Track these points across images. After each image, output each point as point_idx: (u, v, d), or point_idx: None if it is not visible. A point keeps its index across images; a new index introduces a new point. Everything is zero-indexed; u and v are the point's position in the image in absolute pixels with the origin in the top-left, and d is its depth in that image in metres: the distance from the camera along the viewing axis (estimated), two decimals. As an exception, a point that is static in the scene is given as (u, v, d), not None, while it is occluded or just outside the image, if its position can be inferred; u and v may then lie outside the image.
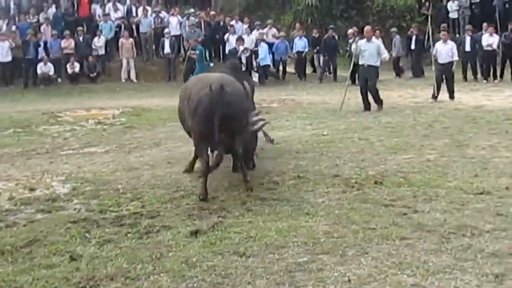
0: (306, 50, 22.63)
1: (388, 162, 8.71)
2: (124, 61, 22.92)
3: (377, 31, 20.66)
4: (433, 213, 6.22)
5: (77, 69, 22.60)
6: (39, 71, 22.30)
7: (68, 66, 22.61)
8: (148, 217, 6.50)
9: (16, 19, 24.23)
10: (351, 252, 5.22)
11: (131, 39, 23.00)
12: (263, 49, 21.75)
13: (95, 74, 22.75)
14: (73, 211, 6.95)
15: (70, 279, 4.85)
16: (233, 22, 23.91)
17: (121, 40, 22.91)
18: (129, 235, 5.94)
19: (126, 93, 21.24)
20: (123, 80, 22.97)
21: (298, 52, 22.72)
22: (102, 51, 23.28)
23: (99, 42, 23.24)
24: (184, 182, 7.94)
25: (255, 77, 21.28)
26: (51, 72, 22.42)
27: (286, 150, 9.86)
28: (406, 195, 6.95)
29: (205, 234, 5.82)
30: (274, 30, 23.51)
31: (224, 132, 6.98)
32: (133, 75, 23.10)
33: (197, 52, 19.26)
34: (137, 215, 6.61)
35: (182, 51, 22.46)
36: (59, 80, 22.72)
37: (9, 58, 22.17)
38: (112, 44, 23.60)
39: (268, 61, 22.03)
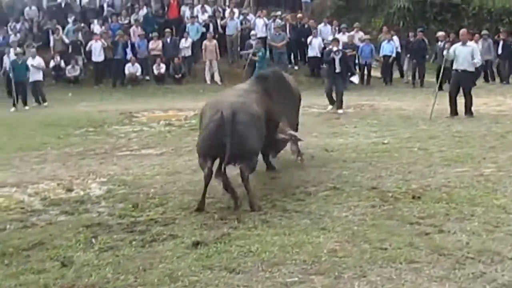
0: (394, 54, 21.81)
1: (437, 175, 8.14)
2: (207, 63, 23.00)
3: (476, 35, 19.87)
4: (458, 234, 5.69)
5: (163, 70, 22.93)
6: (127, 72, 22.79)
7: (154, 67, 22.98)
8: (161, 225, 6.34)
9: (109, 20, 24.80)
10: (348, 275, 4.82)
11: (214, 41, 23.07)
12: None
13: (180, 75, 22.96)
14: (94, 215, 6.90)
15: (50, 286, 4.71)
16: (320, 26, 23.43)
17: (204, 42, 22.98)
18: (133, 242, 5.79)
19: (209, 95, 21.09)
20: (207, 81, 23.05)
21: (385, 56, 21.99)
22: (188, 53, 23.36)
23: (185, 44, 23.41)
24: (218, 190, 7.70)
25: (355, 79, 20.77)
26: (138, 73, 22.85)
27: (335, 158, 9.48)
28: (439, 212, 6.42)
29: (206, 246, 5.57)
30: (361, 34, 22.93)
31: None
32: (217, 77, 23.15)
33: (259, 54, 19.05)
34: (152, 221, 6.46)
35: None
36: (147, 78, 23.06)
37: (101, 58, 22.84)
38: (198, 46, 23.71)
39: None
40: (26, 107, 19.50)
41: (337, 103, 15.58)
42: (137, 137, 12.86)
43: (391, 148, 10.19)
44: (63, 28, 24.14)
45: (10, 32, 24.72)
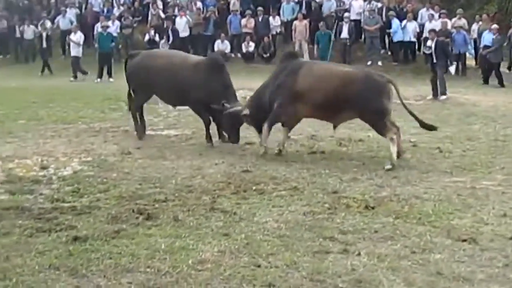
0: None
1: (421, 183, 7.31)
2: (297, 43, 22.40)
3: None
4: (356, 258, 4.94)
5: (251, 48, 22.64)
6: (216, 48, 22.68)
7: (243, 45, 22.73)
8: (74, 214, 6.09)
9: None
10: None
11: (305, 22, 22.42)
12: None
13: (268, 54, 22.53)
14: (30, 197, 6.76)
15: None
16: (422, 10, 22.07)
17: (295, 22, 22.39)
18: (26, 231, 5.58)
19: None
20: (297, 63, 22.45)
21: (485, 47, 20.30)
22: (278, 32, 22.96)
23: (276, 22, 22.97)
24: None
25: (452, 69, 19.39)
26: (227, 50, 22.67)
27: (337, 154, 8.90)
28: (370, 228, 5.71)
29: (84, 242, 5.24)
30: (463, 21, 21.23)
31: None
32: (306, 58, 22.48)
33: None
34: (69, 209, 6.24)
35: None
36: (237, 55, 22.89)
37: (186, 34, 22.89)
38: (290, 26, 23.19)
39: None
40: (111, 79, 19.89)
41: (440, 88, 15.31)
42: (176, 117, 12.62)
43: (412, 148, 9.28)
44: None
45: (114, 5, 25.29)
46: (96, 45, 20.99)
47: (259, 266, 4.74)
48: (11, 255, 4.92)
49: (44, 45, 22.83)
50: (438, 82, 15.48)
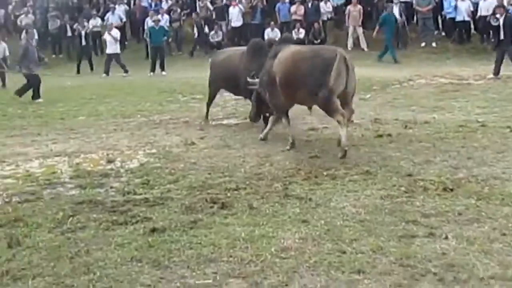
0: None
1: (498, 163, 7.05)
2: (351, 28, 22.08)
3: None
4: (444, 242, 4.76)
5: (302, 35, 22.36)
6: (266, 37, 22.48)
7: (293, 32, 22.47)
8: (147, 206, 6.02)
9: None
10: (270, 281, 4.20)
11: (359, 6, 22.04)
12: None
13: (319, 41, 22.27)
14: (101, 190, 6.74)
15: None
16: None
17: (349, 7, 22.06)
18: (102, 224, 5.53)
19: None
20: (348, 48, 22.15)
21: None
22: (329, 17, 22.67)
23: (327, 8, 22.68)
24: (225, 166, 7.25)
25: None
26: (278, 38, 22.42)
27: (404, 136, 8.60)
28: (453, 210, 5.47)
29: (162, 233, 5.16)
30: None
31: None
32: (363, 44, 22.22)
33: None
34: (142, 201, 6.18)
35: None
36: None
37: (239, 23, 22.81)
38: (341, 11, 22.86)
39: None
40: (163, 73, 19.94)
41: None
42: (234, 106, 12.54)
43: (481, 128, 8.98)
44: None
45: (163, -1, 25.35)
46: (148, 39, 20.99)
47: (344, 252, 4.59)
48: (91, 249, 4.86)
49: (83, 43, 22.89)
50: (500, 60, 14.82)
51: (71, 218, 5.70)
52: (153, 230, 5.21)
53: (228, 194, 6.22)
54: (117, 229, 5.37)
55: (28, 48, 15.55)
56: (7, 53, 19.25)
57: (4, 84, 18.54)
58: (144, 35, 22.06)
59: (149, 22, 21.83)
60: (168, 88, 15.71)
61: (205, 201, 6.00)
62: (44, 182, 7.17)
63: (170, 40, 23.24)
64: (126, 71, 20.44)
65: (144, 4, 25.24)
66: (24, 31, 20.92)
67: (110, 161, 8.07)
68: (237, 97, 11.18)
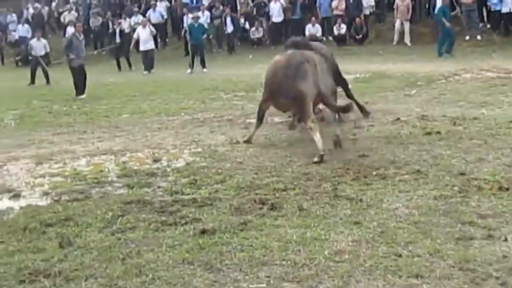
0: None
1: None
2: (398, 23, 21.77)
3: None
4: (503, 244, 4.59)
5: (343, 30, 22.23)
6: (307, 32, 22.39)
7: (335, 27, 22.33)
8: (196, 206, 5.98)
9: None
10: (326, 285, 4.10)
11: (407, 1, 21.78)
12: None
13: (361, 36, 22.06)
14: (149, 190, 6.71)
15: (22, 269, 4.61)
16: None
17: (397, 1, 21.72)
18: (152, 225, 5.50)
19: (386, 57, 20.29)
20: (394, 43, 21.86)
21: None
22: (371, 12, 22.46)
23: (369, 2, 22.44)
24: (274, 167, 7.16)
25: None
26: (319, 33, 22.35)
27: (453, 133, 8.48)
28: (510, 209, 5.28)
29: (212, 235, 5.11)
30: None
31: None
32: (407, 39, 21.96)
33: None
34: (190, 202, 6.13)
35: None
36: (329, 38, 22.53)
37: (280, 19, 22.75)
38: (384, 4, 22.58)
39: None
40: (204, 70, 19.97)
41: None
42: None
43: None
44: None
45: (203, -5, 25.38)
46: (188, 37, 21.03)
47: (400, 255, 4.47)
48: (142, 250, 4.83)
49: (118, 40, 23.04)
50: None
51: (120, 218, 5.68)
52: (203, 231, 5.15)
53: (277, 195, 6.13)
54: (167, 230, 5.33)
55: (72, 39, 15.80)
56: (48, 50, 19.48)
57: (48, 81, 18.81)
58: (183, 32, 21.99)
59: (188, 19, 21.76)
60: (210, 85, 15.70)
61: (253, 202, 5.92)
62: (92, 180, 7.18)
63: (210, 37, 23.18)
64: (148, 70, 20.46)
65: (185, 0, 25.23)
66: (70, 26, 21.41)
67: (156, 160, 8.04)
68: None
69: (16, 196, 6.83)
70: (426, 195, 5.88)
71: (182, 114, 11.65)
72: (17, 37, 28.21)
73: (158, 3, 25.35)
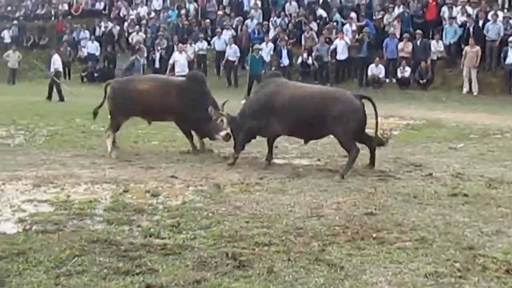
0: None
1: None
2: (465, 70, 20.80)
3: None
4: None
5: (407, 73, 21.40)
6: (369, 72, 21.74)
7: (398, 70, 21.55)
8: (162, 254, 5.43)
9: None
10: None
11: (477, 47, 20.78)
12: None
13: (425, 80, 21.17)
14: (126, 228, 6.23)
15: None
16: None
17: (466, 48, 20.77)
18: (103, 271, 5.00)
19: (448, 105, 19.38)
20: (464, 91, 20.84)
21: None
22: (439, 56, 21.60)
23: (438, 47, 21.55)
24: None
25: None
26: (382, 75, 21.64)
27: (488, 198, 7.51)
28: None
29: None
30: None
31: None
32: (474, 87, 20.93)
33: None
34: (158, 248, 5.58)
35: None
36: (392, 80, 21.79)
37: (344, 56, 22.17)
38: (454, 50, 21.65)
39: None
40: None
41: None
42: (313, 144, 11.78)
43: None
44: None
45: (270, 27, 25.10)
46: (247, 67, 20.70)
47: None
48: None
49: (157, 65, 23.01)
50: None
51: (75, 259, 5.20)
52: (148, 286, 4.57)
53: (255, 250, 5.53)
54: (114, 279, 4.82)
55: (134, 63, 16.04)
56: (57, 66, 20.44)
57: (61, 98, 19.28)
58: (245, 63, 21.66)
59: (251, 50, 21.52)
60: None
61: (225, 256, 5.33)
62: (76, 211, 6.79)
63: (273, 68, 22.80)
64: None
65: (250, 30, 25.01)
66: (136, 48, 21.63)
67: (154, 195, 7.59)
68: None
69: (-10, 221, 6.41)
70: (418, 270, 5.13)
71: (209, 145, 11.15)
72: (86, 53, 28.62)
73: (224, 31, 25.18)
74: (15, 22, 33.33)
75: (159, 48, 24.96)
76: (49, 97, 20.17)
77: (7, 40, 32.70)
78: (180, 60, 20.87)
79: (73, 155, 10.15)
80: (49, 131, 12.77)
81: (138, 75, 15.68)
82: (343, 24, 23.66)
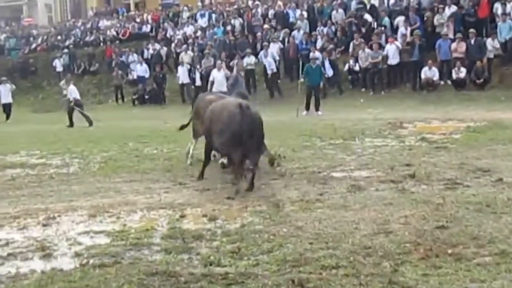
0: None
1: None
2: (523, 67, 20.05)
3: None
4: None
5: (463, 74, 20.75)
6: (423, 76, 21.18)
7: (453, 71, 20.91)
8: (225, 284, 5.11)
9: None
10: None
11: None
12: None
13: (482, 80, 20.46)
14: (185, 257, 5.97)
15: None
16: None
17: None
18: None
19: (508, 104, 18.67)
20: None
21: None
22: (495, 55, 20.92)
23: (494, 44, 20.86)
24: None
25: None
26: (436, 77, 21.03)
27: None
28: None
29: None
30: None
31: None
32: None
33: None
34: (220, 277, 5.26)
35: None
36: (447, 82, 21.15)
37: (395, 61, 21.70)
38: (510, 47, 20.91)
39: None
40: (319, 113, 19.36)
41: None
42: (371, 154, 11.42)
43: None
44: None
45: (318, 37, 24.78)
46: (302, 79, 20.30)
47: None
48: None
49: (198, 83, 22.93)
50: None
51: (135, 294, 4.90)
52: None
53: (322, 275, 5.18)
54: (176, 315, 4.48)
55: (238, 78, 16.81)
56: (75, 95, 21.20)
57: (71, 124, 20.46)
58: (301, 74, 21.13)
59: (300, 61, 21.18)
60: (309, 130, 14.84)
61: (291, 283, 5.00)
62: (132, 241, 6.54)
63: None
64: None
65: (298, 42, 24.69)
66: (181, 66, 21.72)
67: (212, 219, 7.32)
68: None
69: (47, 256, 6.26)
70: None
71: (265, 163, 10.82)
72: (135, 76, 28.78)
73: (271, 45, 24.94)
74: (66, 50, 33.75)
75: (198, 66, 24.96)
76: (71, 124, 20.90)
77: (59, 68, 33.15)
78: (218, 77, 20.83)
79: (128, 181, 9.95)
80: (103, 157, 12.64)
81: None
82: (393, 28, 23.07)
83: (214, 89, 20.21)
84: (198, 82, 24.56)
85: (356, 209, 7.34)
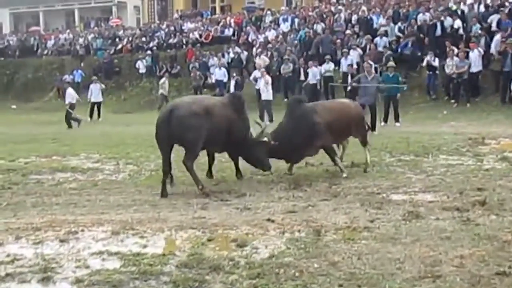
0: None
1: None
2: None
3: None
4: None
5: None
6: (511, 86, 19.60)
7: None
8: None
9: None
10: None
11: None
12: None
13: None
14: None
15: None
16: None
17: None
18: None
19: None
20: None
21: None
22: None
23: None
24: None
25: None
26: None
27: None
28: None
29: None
30: None
31: None
32: None
33: None
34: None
35: None
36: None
37: (478, 69, 20.26)
38: None
39: None
40: (397, 124, 18.35)
41: None
42: (442, 174, 10.29)
43: None
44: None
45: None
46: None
47: None
48: None
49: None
50: None
51: None
52: None
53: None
54: None
55: (360, 79, 17.01)
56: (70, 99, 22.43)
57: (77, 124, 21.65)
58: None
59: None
60: (380, 144, 13.70)
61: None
62: (143, 269, 5.81)
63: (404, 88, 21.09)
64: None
65: (380, 48, 23.48)
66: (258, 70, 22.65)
67: (240, 245, 6.49)
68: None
69: (46, 280, 5.63)
70: None
71: (320, 180, 9.90)
72: (214, 80, 28.34)
73: (351, 51, 23.86)
74: (149, 52, 33.72)
75: (234, 75, 24.31)
76: (69, 126, 22.17)
77: (142, 70, 33.12)
78: (261, 84, 21.38)
79: (168, 193, 9.21)
80: (157, 165, 11.98)
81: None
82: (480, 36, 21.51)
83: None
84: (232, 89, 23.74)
85: (406, 243, 6.32)
